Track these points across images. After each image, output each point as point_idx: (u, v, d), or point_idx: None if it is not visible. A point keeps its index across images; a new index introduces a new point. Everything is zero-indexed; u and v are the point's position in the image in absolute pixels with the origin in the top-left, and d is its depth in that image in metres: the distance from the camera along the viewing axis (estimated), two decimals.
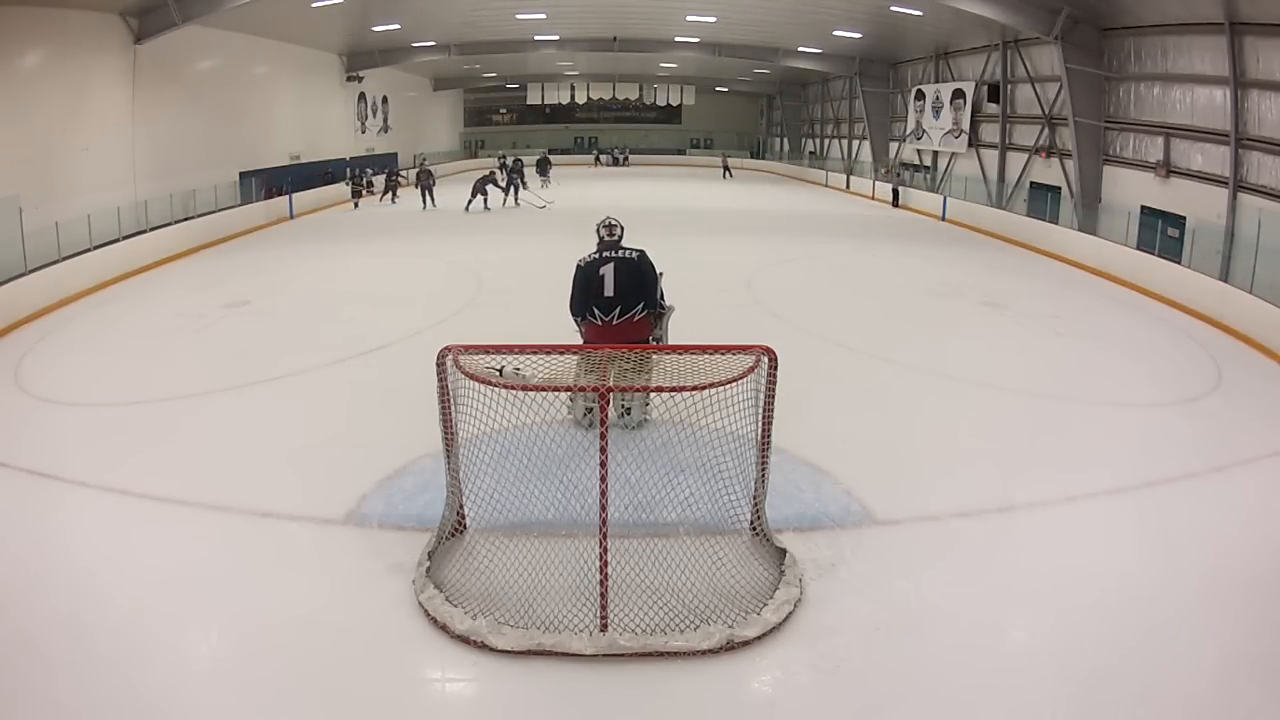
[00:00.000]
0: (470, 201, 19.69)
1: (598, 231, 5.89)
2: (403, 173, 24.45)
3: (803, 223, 19.20)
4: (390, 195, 22.33)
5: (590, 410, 5.68)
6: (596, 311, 5.60)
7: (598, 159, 37.64)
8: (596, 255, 5.72)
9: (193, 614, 3.87)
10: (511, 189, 21.02)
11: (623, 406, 5.76)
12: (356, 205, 21.80)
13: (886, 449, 5.83)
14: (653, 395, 5.61)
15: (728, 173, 33.33)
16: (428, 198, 20.80)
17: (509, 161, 23.89)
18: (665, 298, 6.17)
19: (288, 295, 11.00)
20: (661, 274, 6.14)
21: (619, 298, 5.57)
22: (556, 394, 5.35)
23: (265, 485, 5.14)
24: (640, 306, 5.62)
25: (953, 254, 15.07)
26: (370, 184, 23.00)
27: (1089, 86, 15.02)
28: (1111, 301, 11.48)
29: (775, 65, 27.54)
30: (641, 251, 5.76)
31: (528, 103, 37.37)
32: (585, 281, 5.69)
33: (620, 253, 5.70)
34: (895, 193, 22.57)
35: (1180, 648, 3.69)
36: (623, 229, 5.88)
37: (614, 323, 5.56)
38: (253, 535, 4.60)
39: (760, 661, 3.56)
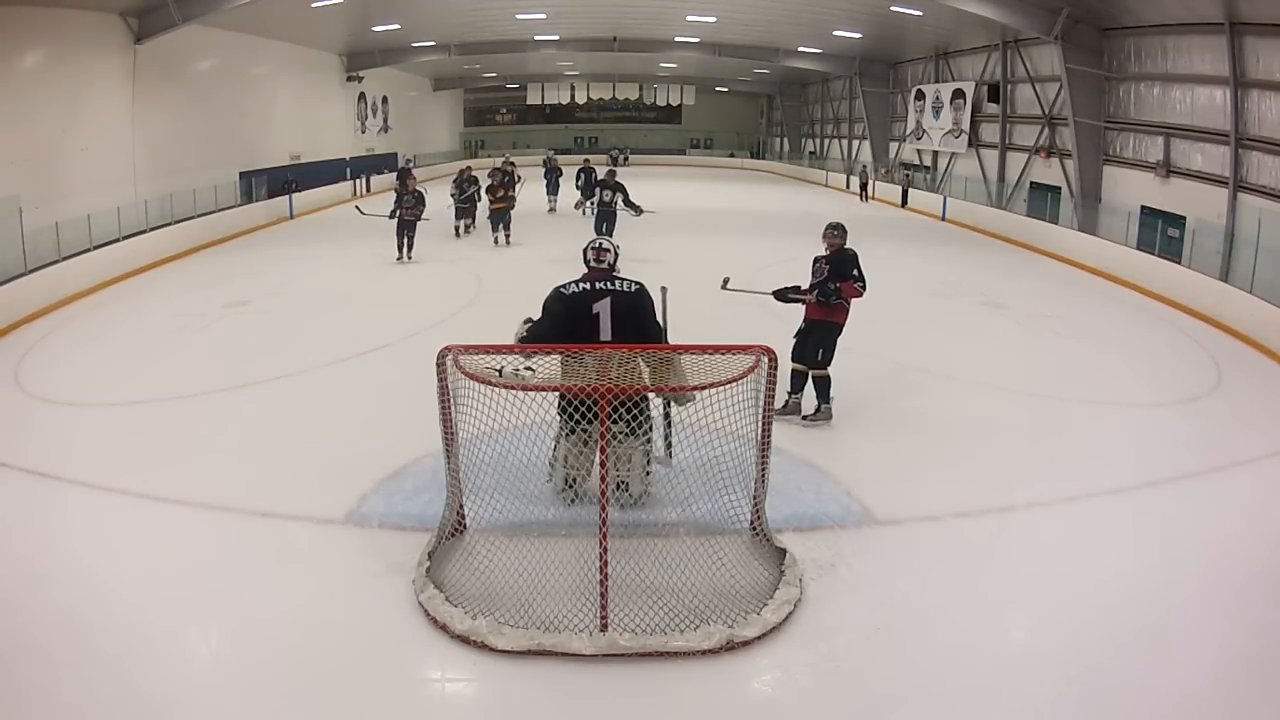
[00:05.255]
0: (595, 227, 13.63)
1: (584, 255, 4.81)
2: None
3: (803, 223, 19.11)
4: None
5: (570, 479, 4.66)
6: None
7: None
8: (587, 286, 4.53)
9: (193, 613, 3.86)
10: (590, 201, 14.59)
11: (619, 480, 4.59)
12: (469, 226, 15.07)
13: (886, 449, 5.83)
14: (653, 467, 4.73)
15: (865, 195, 24.26)
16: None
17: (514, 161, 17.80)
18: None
19: (288, 295, 11.00)
20: (665, 289, 5.37)
21: (619, 343, 4.35)
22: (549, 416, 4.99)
23: (265, 485, 5.14)
24: None
25: (953, 254, 15.07)
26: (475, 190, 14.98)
27: (1089, 86, 15.03)
28: (1111, 301, 11.47)
29: (775, 65, 27.56)
30: (640, 285, 4.61)
31: (528, 103, 37.45)
32: (571, 318, 4.44)
33: (617, 284, 4.54)
34: (904, 192, 22.54)
35: (1180, 647, 3.69)
36: (616, 253, 4.84)
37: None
38: (253, 535, 4.60)
39: (760, 661, 3.56)
